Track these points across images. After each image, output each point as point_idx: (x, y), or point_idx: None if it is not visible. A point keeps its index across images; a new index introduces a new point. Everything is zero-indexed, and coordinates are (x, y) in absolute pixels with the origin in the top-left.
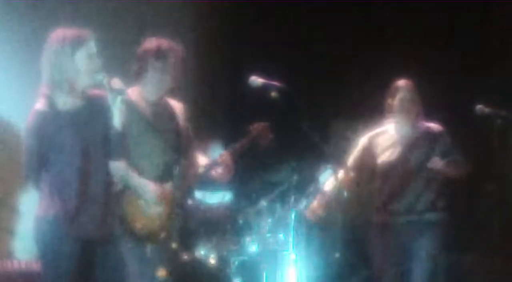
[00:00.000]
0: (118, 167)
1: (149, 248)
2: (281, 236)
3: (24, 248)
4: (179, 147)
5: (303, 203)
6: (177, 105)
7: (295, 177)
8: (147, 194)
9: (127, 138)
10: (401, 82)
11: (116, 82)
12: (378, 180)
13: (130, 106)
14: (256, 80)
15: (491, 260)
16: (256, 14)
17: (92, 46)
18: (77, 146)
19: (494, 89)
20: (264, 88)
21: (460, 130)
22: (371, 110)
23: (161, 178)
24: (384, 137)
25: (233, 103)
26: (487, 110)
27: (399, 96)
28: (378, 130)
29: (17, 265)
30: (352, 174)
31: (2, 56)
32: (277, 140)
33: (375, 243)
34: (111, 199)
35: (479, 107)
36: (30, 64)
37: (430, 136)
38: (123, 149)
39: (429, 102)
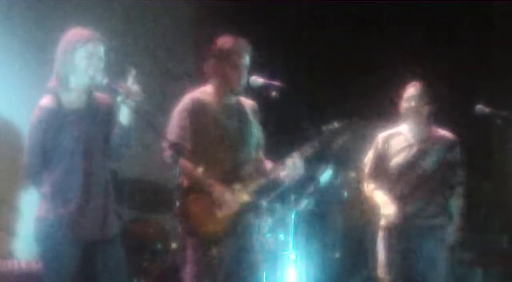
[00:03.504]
0: (186, 165)
1: (213, 249)
2: (281, 236)
3: (24, 248)
4: (248, 148)
5: (303, 203)
6: (249, 105)
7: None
8: (214, 195)
9: (128, 142)
10: (412, 85)
11: (118, 84)
12: (390, 181)
13: (201, 107)
14: (256, 80)
15: (490, 259)
16: (256, 14)
17: (94, 47)
18: (78, 145)
19: (494, 89)
20: (264, 88)
21: (460, 130)
22: (371, 110)
23: (229, 179)
24: (398, 139)
25: None
26: (487, 110)
27: (410, 99)
28: (391, 131)
29: (17, 265)
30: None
31: (3, 57)
32: (279, 140)
33: (384, 245)
34: (112, 199)
35: (479, 107)
36: (32, 65)
37: (443, 144)
38: (124, 150)
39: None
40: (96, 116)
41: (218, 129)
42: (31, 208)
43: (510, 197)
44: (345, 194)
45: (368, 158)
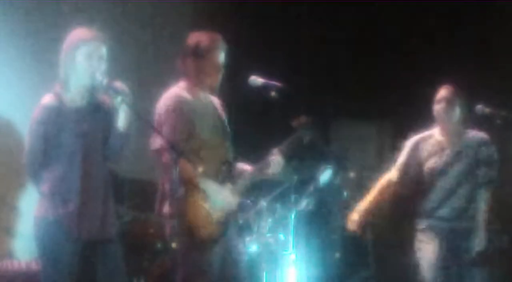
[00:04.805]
0: (186, 168)
1: (210, 251)
2: (281, 236)
3: (24, 248)
4: (229, 146)
5: (303, 203)
6: (219, 103)
7: (295, 177)
8: (217, 197)
9: (128, 142)
10: (444, 89)
11: (118, 84)
12: (425, 185)
13: (188, 105)
14: (256, 80)
15: (490, 259)
16: (256, 14)
17: (96, 46)
18: (78, 145)
19: (494, 89)
20: (264, 88)
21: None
22: (371, 110)
23: (221, 178)
24: (430, 142)
25: (232, 103)
26: (487, 110)
27: (441, 102)
28: (424, 134)
29: (17, 265)
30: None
31: (4, 57)
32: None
33: (420, 247)
34: (111, 199)
35: (479, 107)
36: (32, 65)
37: (474, 144)
38: (122, 152)
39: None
40: (96, 116)
41: (208, 128)
42: (31, 208)
43: (510, 197)
44: (345, 194)
45: (399, 163)
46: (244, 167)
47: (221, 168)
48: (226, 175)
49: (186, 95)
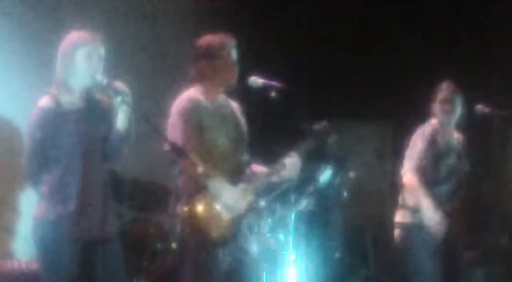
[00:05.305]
0: (192, 167)
1: (217, 251)
2: (281, 236)
3: (24, 248)
4: (245, 148)
5: (303, 203)
6: (235, 105)
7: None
8: (226, 197)
9: (128, 142)
10: (445, 87)
11: (117, 84)
12: (435, 180)
13: (202, 108)
14: (256, 80)
15: (490, 259)
16: (256, 14)
17: (94, 47)
18: (77, 146)
19: (494, 89)
20: (264, 88)
21: (460, 130)
22: (371, 110)
23: (234, 180)
24: (442, 136)
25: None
26: (487, 110)
27: (442, 102)
28: (434, 126)
29: (17, 265)
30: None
31: (3, 57)
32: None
33: (414, 246)
34: (111, 199)
35: (479, 107)
36: (32, 65)
37: (465, 147)
38: (122, 152)
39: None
40: (95, 117)
41: (221, 130)
42: (31, 208)
43: (510, 197)
44: (345, 194)
45: (417, 151)
46: (258, 168)
47: (234, 170)
48: (239, 177)
49: (201, 97)
